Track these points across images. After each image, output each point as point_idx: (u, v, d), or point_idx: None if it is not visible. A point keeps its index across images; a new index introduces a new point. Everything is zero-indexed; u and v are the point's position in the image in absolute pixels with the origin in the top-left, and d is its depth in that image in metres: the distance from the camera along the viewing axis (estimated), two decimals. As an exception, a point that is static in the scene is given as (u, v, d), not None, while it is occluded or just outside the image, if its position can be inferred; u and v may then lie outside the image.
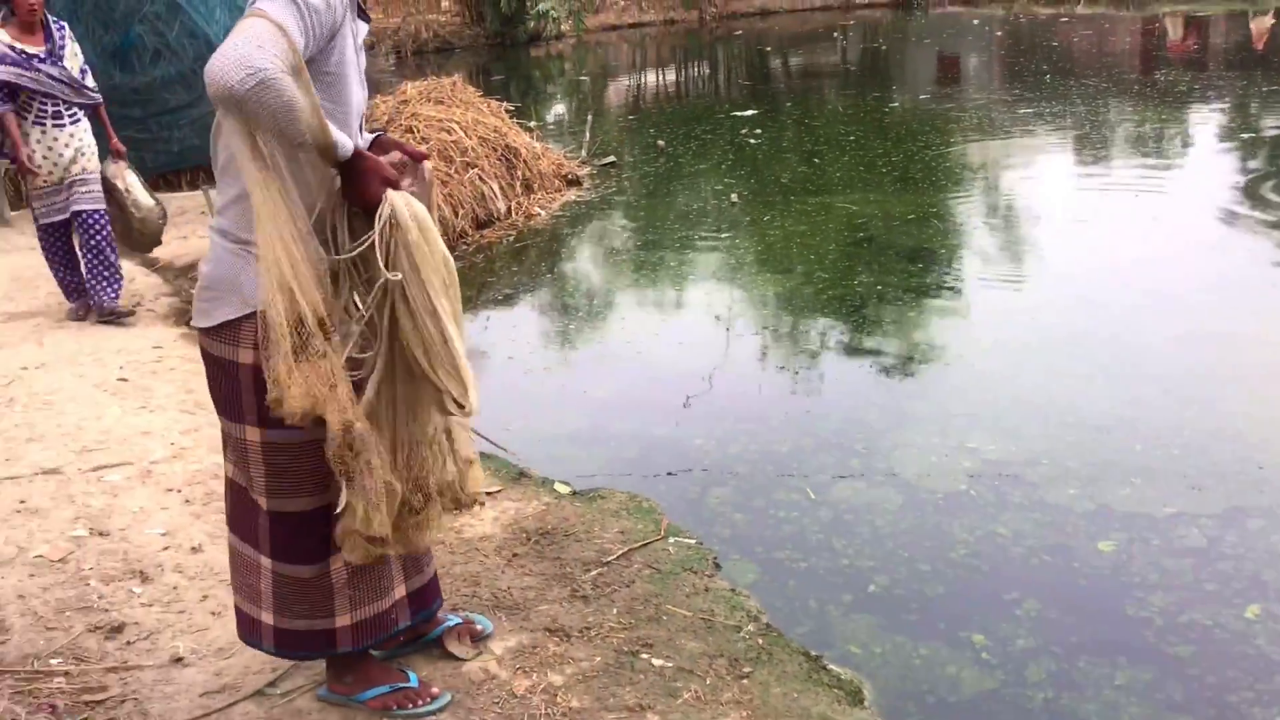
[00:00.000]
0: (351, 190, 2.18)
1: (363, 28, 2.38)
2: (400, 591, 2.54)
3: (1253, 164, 8.37)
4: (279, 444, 2.25)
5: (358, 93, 2.31)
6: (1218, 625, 2.95)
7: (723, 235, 7.24)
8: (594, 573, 3.23)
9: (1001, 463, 3.91)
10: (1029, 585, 3.20)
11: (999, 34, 21.32)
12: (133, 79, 8.55)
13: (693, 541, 3.45)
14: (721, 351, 5.28)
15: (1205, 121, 10.32)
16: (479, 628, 2.86)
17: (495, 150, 8.50)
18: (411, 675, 2.63)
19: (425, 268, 2.17)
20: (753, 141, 10.67)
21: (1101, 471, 3.80)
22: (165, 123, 8.75)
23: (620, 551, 3.34)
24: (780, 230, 7.20)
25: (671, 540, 3.44)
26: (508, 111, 9.45)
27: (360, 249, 2.19)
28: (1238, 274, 5.83)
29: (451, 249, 6.95)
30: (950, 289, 5.93)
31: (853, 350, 5.14)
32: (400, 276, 2.14)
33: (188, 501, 3.75)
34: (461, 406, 2.25)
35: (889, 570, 3.32)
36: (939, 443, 4.10)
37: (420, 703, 2.56)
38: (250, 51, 1.89)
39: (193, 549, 3.43)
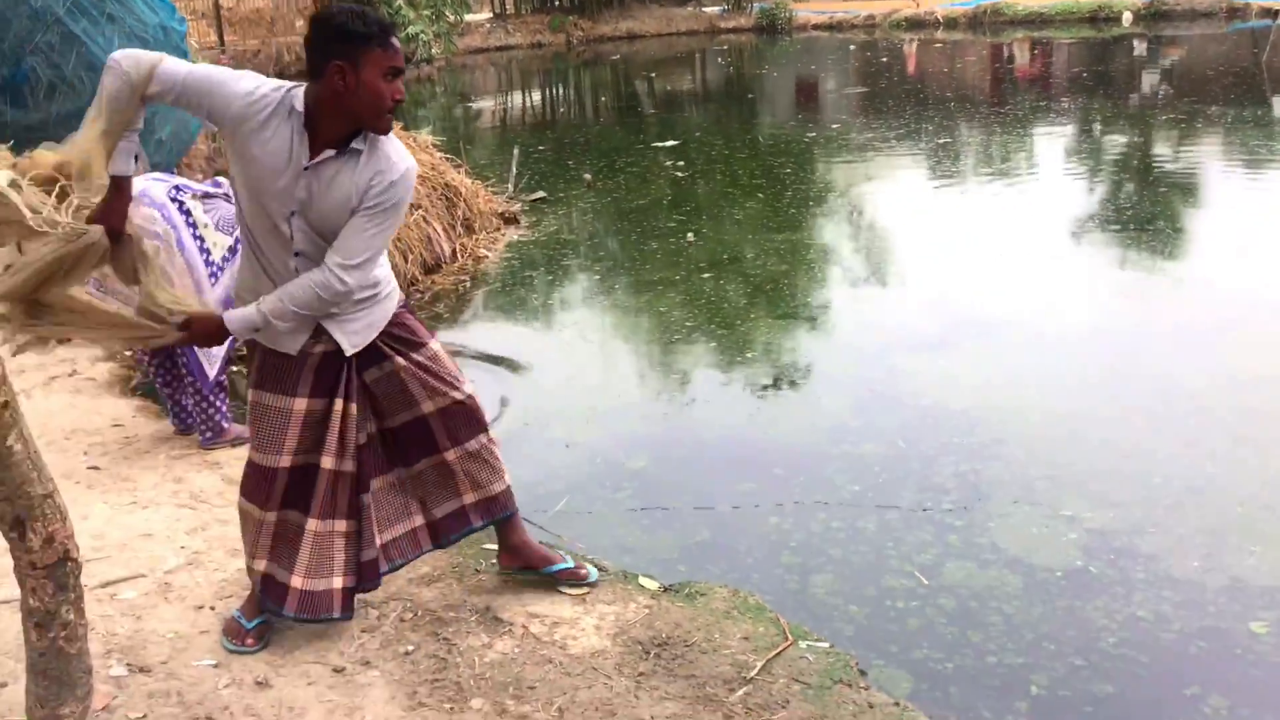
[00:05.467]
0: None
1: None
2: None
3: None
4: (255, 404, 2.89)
5: (272, 179, 2.64)
6: None
7: (705, 276, 6.93)
8: (740, 693, 2.86)
9: (1108, 533, 3.71)
10: (1203, 679, 2.98)
11: (884, 59, 21.72)
12: (26, 115, 7.71)
13: (825, 645, 3.11)
14: (756, 409, 4.98)
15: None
16: (583, 572, 3.35)
17: (435, 189, 8.02)
18: None
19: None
20: (679, 175, 10.43)
21: (1215, 539, 3.64)
22: (63, 161, 7.95)
23: (759, 665, 2.98)
24: (763, 270, 6.96)
25: (804, 645, 3.10)
26: (436, 146, 8.97)
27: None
28: (1250, 310, 5.85)
29: (404, 296, 6.47)
30: (968, 330, 5.78)
31: (896, 402, 4.90)
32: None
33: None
34: None
35: (1044, 668, 3.06)
36: (1032, 511, 3.88)
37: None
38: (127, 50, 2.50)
39: (258, 683, 2.92)
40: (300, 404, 2.88)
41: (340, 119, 2.61)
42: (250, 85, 2.62)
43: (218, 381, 4.41)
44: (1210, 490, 3.96)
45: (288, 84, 2.66)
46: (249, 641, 3.06)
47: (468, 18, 29.77)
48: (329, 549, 2.98)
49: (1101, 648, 3.13)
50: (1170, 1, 25.61)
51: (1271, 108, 13.09)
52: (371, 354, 2.94)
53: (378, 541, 3.06)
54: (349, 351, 2.87)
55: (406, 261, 7.15)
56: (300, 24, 29.68)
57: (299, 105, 2.61)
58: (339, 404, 2.89)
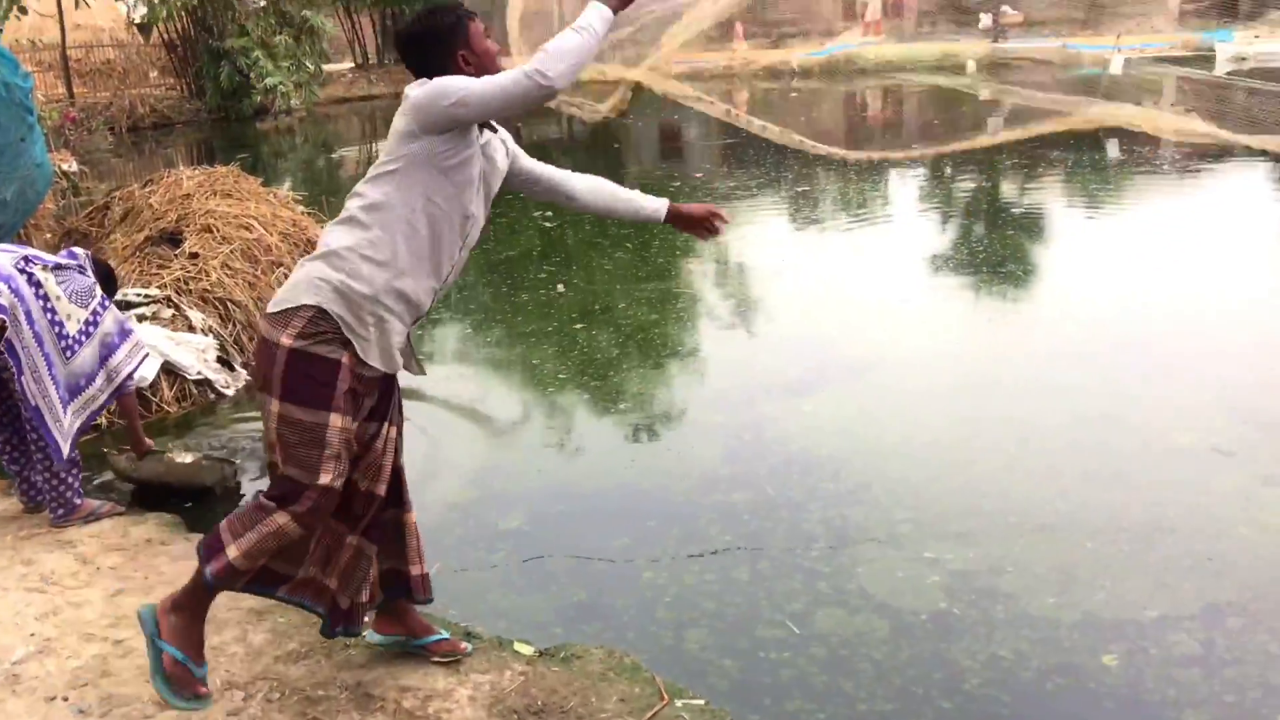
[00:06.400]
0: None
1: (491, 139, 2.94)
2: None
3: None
4: (289, 418, 2.72)
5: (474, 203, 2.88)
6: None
7: (577, 328, 6.96)
8: (618, 757, 2.86)
9: (969, 573, 3.83)
10: (1060, 714, 3.11)
11: (737, 109, 22.22)
12: None
13: (701, 703, 3.13)
14: (630, 460, 5.03)
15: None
16: (463, 646, 3.27)
17: (297, 245, 7.87)
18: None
19: None
20: (548, 225, 10.47)
21: (1068, 575, 3.79)
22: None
23: (635, 726, 2.99)
24: (634, 320, 7.03)
25: (680, 704, 3.11)
26: (296, 202, 8.84)
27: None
28: (1096, 347, 6.14)
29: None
30: (831, 374, 5.93)
31: (764, 449, 5.00)
32: None
33: (82, 712, 3.07)
34: None
35: (912, 713, 3.13)
36: (897, 555, 3.99)
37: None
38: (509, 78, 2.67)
39: (113, 782, 2.79)
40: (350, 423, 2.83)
41: None
42: None
43: (70, 457, 4.23)
44: (1062, 527, 4.14)
45: None
46: (202, 690, 2.86)
47: (329, 67, 29.46)
48: (364, 567, 3.08)
49: (966, 689, 3.22)
50: (1010, 51, 26.91)
51: (1106, 151, 13.85)
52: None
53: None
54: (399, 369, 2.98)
55: (269, 321, 6.99)
56: (154, 75, 28.89)
57: None
58: (386, 428, 3.01)
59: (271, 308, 2.78)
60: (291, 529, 2.76)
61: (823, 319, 7.05)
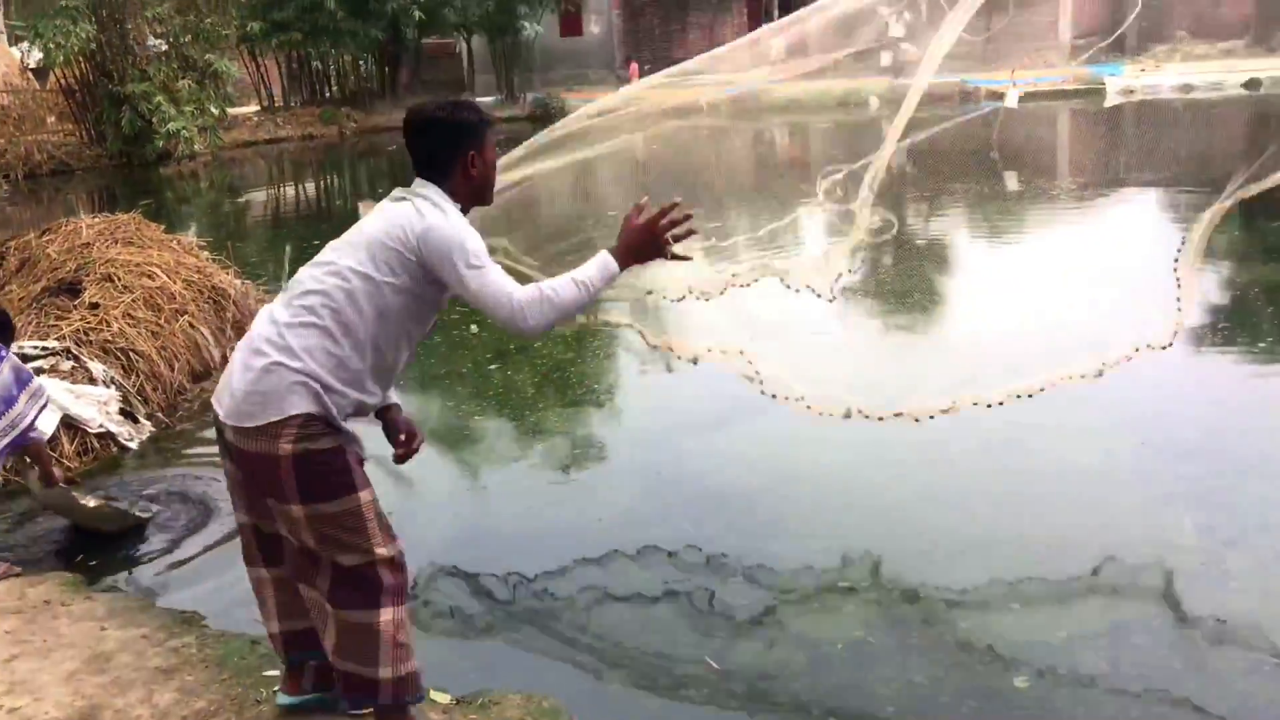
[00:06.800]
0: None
1: None
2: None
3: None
4: (321, 515, 2.69)
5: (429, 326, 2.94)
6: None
7: (492, 368, 6.93)
8: (539, 804, 2.83)
9: (883, 602, 3.89)
10: (978, 739, 3.15)
11: (654, 147, 22.42)
12: None
13: (622, 743, 3.12)
14: (549, 501, 5.01)
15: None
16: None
17: (202, 293, 7.73)
18: None
19: None
20: (460, 265, 10.43)
21: (980, 599, 3.87)
22: None
23: (556, 772, 2.96)
24: (549, 358, 7.02)
25: (601, 746, 3.10)
26: (200, 248, 8.69)
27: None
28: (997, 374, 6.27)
29: (173, 408, 6.23)
30: (745, 407, 5.95)
31: (682, 485, 5.03)
32: None
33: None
34: None
35: (833, 743, 3.16)
36: (812, 585, 4.03)
37: None
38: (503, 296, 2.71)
39: None
40: None
41: (468, 202, 2.86)
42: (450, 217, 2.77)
43: None
44: (972, 552, 4.21)
45: (431, 194, 2.79)
46: None
47: (234, 111, 29.09)
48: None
49: (882, 718, 3.25)
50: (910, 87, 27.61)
51: (1005, 183, 14.25)
52: None
53: None
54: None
55: (173, 370, 6.83)
56: (52, 120, 28.17)
57: (450, 204, 2.79)
58: None
59: (248, 421, 2.64)
60: (397, 613, 2.78)
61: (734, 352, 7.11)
